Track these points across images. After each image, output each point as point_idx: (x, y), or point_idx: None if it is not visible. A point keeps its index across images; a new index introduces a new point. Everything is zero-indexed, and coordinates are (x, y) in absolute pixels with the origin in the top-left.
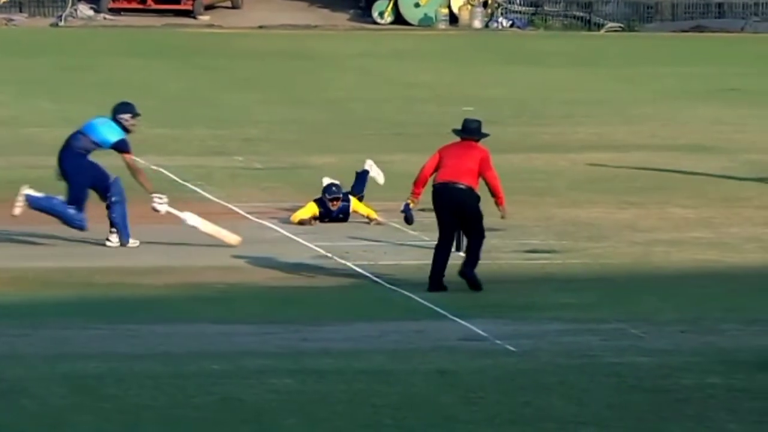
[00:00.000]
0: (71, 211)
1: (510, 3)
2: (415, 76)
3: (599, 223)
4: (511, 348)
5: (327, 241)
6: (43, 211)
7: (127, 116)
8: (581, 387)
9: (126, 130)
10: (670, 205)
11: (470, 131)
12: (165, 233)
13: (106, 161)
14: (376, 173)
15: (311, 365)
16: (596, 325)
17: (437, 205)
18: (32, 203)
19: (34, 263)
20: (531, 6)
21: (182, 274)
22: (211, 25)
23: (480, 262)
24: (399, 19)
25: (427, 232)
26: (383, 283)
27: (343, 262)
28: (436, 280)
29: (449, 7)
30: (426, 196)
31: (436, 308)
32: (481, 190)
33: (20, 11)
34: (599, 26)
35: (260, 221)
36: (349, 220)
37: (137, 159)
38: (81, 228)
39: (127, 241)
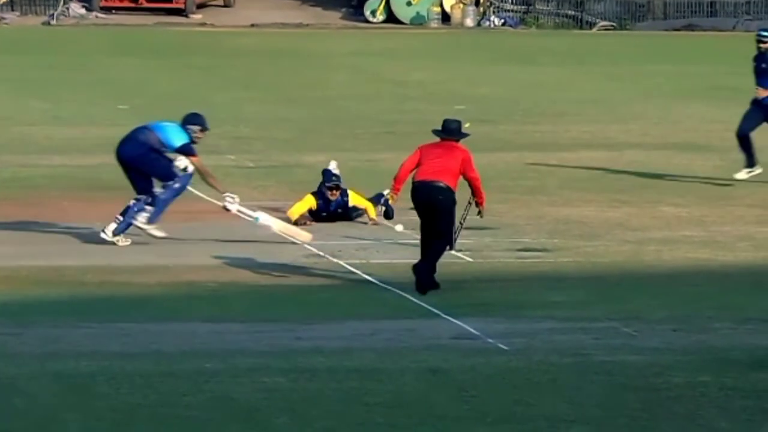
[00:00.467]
0: (177, 185)
1: (502, 2)
2: (406, 74)
3: (591, 221)
4: (503, 346)
5: (319, 240)
6: (164, 209)
7: (196, 128)
8: (573, 385)
9: (192, 141)
10: (662, 204)
11: (450, 131)
12: (161, 232)
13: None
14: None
15: (303, 364)
16: (588, 323)
17: (415, 202)
18: (153, 218)
19: (25, 262)
20: (523, 5)
21: (174, 273)
22: (203, 24)
23: (471, 261)
24: (391, 18)
25: (419, 230)
26: (375, 281)
27: (335, 260)
28: (419, 279)
29: (441, 5)
30: (405, 193)
31: (428, 307)
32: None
33: (12, 9)
34: (591, 25)
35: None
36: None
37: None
38: (184, 186)
39: (153, 222)
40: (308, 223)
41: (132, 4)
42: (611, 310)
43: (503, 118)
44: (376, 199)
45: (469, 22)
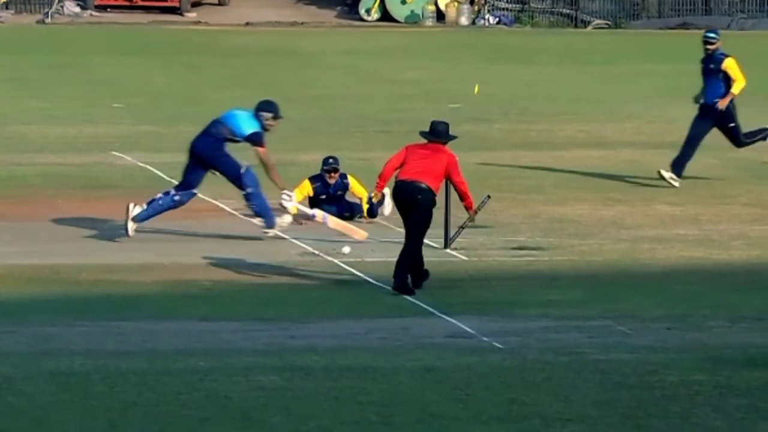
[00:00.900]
0: (177, 198)
1: (497, 0)
2: (401, 73)
3: (585, 220)
4: (498, 345)
5: (314, 238)
6: (154, 216)
7: (269, 115)
8: (567, 384)
9: (264, 128)
10: (656, 202)
11: (438, 134)
12: (151, 230)
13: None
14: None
15: (298, 362)
16: (582, 322)
17: (396, 201)
18: (141, 218)
19: (20, 260)
20: (517, 3)
21: (169, 272)
22: (197, 22)
23: (466, 259)
24: (386, 16)
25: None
26: (370, 280)
27: (330, 259)
28: (411, 280)
29: (436, 4)
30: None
31: (422, 305)
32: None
33: (6, 8)
34: (586, 23)
35: (247, 218)
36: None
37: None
38: (192, 195)
39: (273, 225)
40: (301, 222)
41: (127, 3)
42: (606, 309)
43: (498, 116)
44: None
45: (464, 20)
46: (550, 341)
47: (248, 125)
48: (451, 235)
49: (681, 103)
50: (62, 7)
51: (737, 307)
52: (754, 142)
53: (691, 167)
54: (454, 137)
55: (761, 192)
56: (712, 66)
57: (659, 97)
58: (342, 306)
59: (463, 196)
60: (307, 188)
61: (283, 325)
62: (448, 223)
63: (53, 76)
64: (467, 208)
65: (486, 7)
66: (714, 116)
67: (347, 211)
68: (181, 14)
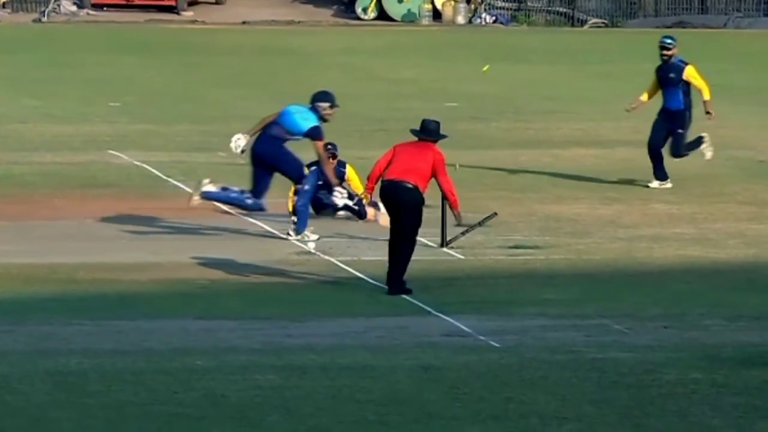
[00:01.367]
0: (249, 201)
1: None
2: (398, 72)
3: (582, 219)
4: (495, 344)
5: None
6: (219, 202)
7: (325, 105)
8: (564, 382)
9: (322, 119)
10: (653, 201)
11: (428, 132)
12: (148, 229)
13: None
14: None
15: (295, 361)
16: (579, 320)
17: (383, 202)
18: (208, 196)
19: (17, 259)
20: (514, 2)
21: (166, 271)
22: (194, 21)
23: (463, 258)
24: (382, 15)
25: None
26: (367, 278)
27: (326, 257)
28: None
29: (432, 3)
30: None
31: (419, 304)
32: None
33: (3, 7)
34: (582, 22)
35: (244, 217)
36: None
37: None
38: (261, 209)
39: (301, 232)
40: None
41: (123, 2)
42: (603, 308)
43: (495, 115)
44: (358, 203)
45: (461, 19)
46: (547, 340)
47: (305, 120)
48: (449, 237)
49: None
50: (59, 5)
51: (734, 305)
52: (689, 153)
53: (688, 166)
54: (444, 136)
55: (757, 190)
56: (672, 75)
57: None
58: (339, 305)
59: (448, 196)
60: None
61: (280, 323)
62: (444, 222)
63: (50, 74)
64: (452, 207)
65: (482, 6)
66: (671, 121)
67: (349, 199)
68: (177, 13)
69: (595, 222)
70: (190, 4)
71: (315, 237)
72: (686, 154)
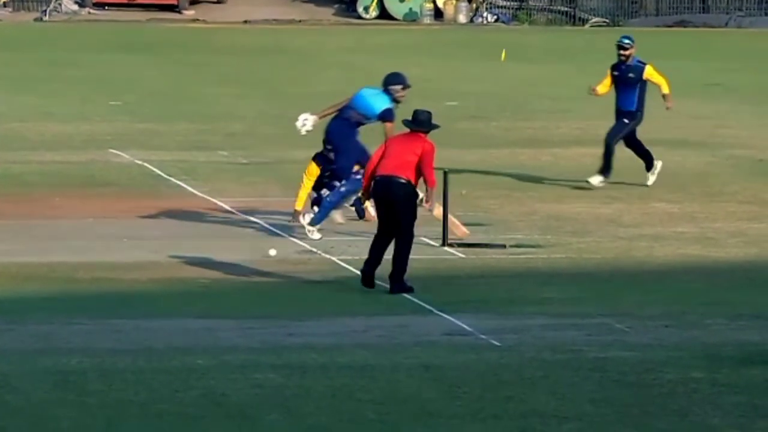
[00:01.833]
0: (342, 189)
1: None
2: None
3: (583, 218)
4: (495, 343)
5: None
6: (332, 210)
7: (398, 87)
8: (565, 382)
9: (395, 101)
10: (653, 200)
11: (420, 122)
12: (148, 228)
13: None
14: None
15: (295, 360)
16: (580, 319)
17: (375, 198)
18: (317, 221)
19: (17, 258)
20: (515, 1)
21: (166, 270)
22: (195, 20)
23: (463, 257)
24: (384, 14)
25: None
26: None
27: (327, 256)
28: (367, 275)
29: (434, 2)
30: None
31: (420, 303)
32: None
33: (4, 6)
34: (584, 21)
35: (245, 216)
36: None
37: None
38: (357, 182)
39: (315, 224)
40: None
41: (124, 1)
42: (603, 307)
43: (495, 114)
44: (356, 203)
45: (462, 18)
46: (547, 339)
47: (379, 103)
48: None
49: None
50: (60, 4)
51: (735, 304)
52: (613, 146)
53: (688, 165)
54: (436, 126)
55: (757, 189)
56: (632, 75)
57: (656, 94)
58: (339, 304)
59: (427, 185)
60: (315, 170)
61: (280, 322)
62: (445, 220)
63: (50, 73)
64: (426, 196)
65: (484, 5)
66: (625, 117)
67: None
68: (179, 12)
69: (595, 221)
70: (192, 3)
71: (318, 236)
72: (613, 146)
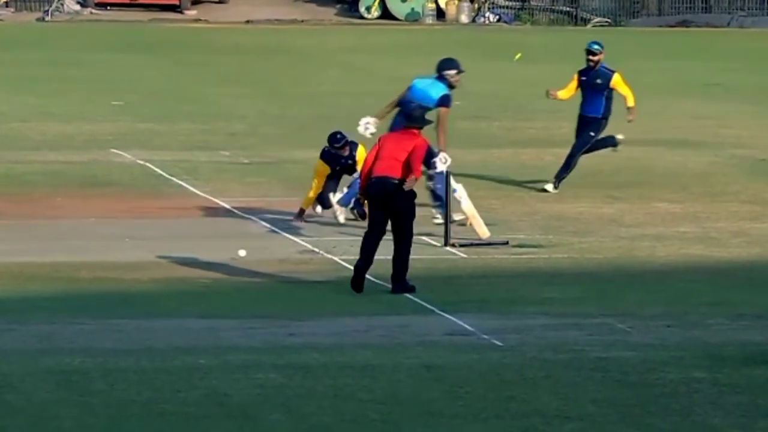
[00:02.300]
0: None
1: None
2: (401, 70)
3: (585, 217)
4: (497, 342)
5: (313, 236)
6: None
7: (452, 72)
8: (567, 381)
9: (450, 86)
10: (655, 200)
11: (413, 119)
12: (150, 228)
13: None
14: None
15: (297, 360)
16: (582, 319)
17: (368, 198)
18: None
19: (19, 258)
20: (518, 1)
21: (168, 269)
22: (197, 20)
23: (465, 257)
24: (386, 14)
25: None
26: (369, 277)
27: (329, 256)
28: (360, 271)
29: (436, 2)
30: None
31: (422, 303)
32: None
33: (6, 6)
34: (586, 21)
35: (246, 216)
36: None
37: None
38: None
39: (444, 211)
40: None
41: (126, 1)
42: (605, 307)
43: (497, 114)
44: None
45: (464, 18)
46: (549, 339)
47: (436, 90)
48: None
49: (680, 101)
50: (62, 4)
51: (737, 304)
52: (578, 158)
53: (689, 165)
54: (429, 122)
55: (759, 189)
56: (599, 81)
57: (658, 94)
58: (341, 304)
59: (412, 174)
60: (324, 170)
61: (282, 322)
62: (447, 220)
63: (52, 73)
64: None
65: (486, 5)
66: (586, 125)
67: None
68: (181, 12)
69: (597, 221)
70: (194, 3)
71: (343, 219)
72: (578, 158)
